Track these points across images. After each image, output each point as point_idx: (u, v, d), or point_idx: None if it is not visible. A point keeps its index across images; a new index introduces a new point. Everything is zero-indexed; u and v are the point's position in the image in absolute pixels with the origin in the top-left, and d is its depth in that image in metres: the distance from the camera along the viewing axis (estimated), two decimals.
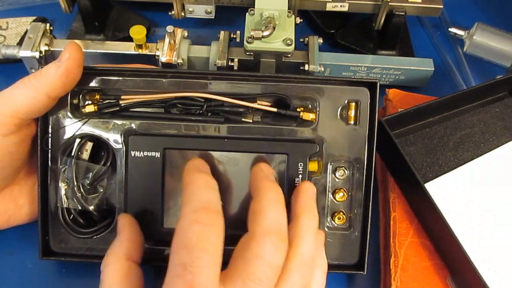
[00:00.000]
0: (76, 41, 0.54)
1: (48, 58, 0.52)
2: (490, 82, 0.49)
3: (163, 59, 0.51)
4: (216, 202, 0.33)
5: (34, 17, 0.59)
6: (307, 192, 0.37)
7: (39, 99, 0.36)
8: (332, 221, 0.41)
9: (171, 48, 0.51)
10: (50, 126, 0.39)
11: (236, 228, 0.40)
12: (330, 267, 0.41)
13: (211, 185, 0.34)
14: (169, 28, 0.50)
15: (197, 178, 0.34)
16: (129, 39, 0.51)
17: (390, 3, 0.54)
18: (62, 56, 0.37)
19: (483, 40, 0.58)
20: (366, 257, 0.40)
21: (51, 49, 0.52)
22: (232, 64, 0.51)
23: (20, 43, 0.53)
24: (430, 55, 0.56)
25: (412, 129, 0.49)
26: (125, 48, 0.53)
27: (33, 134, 0.39)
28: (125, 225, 0.37)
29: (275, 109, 0.40)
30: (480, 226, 0.43)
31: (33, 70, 0.52)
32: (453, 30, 0.60)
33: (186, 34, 0.53)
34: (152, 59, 0.52)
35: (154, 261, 0.40)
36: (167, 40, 0.51)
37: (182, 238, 0.30)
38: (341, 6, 0.56)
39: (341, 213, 0.41)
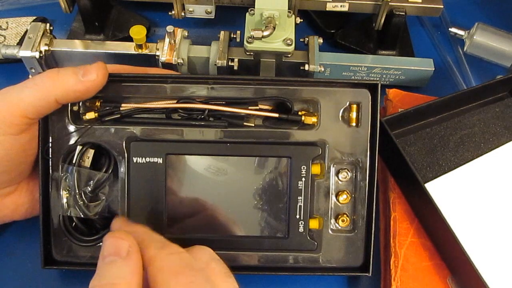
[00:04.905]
0: (76, 41, 0.54)
1: (48, 58, 0.52)
2: (490, 82, 0.49)
3: (163, 59, 0.51)
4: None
5: (34, 17, 0.59)
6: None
7: (47, 101, 0.36)
8: (336, 224, 0.41)
9: (171, 48, 0.51)
10: (50, 135, 0.39)
11: (238, 231, 0.40)
12: (335, 270, 0.41)
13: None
14: (169, 28, 0.50)
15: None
16: (129, 39, 0.51)
17: (390, 3, 0.54)
18: (88, 73, 0.36)
19: (483, 40, 0.58)
20: (371, 259, 0.40)
21: (51, 49, 0.52)
22: (232, 64, 0.51)
23: (20, 43, 0.53)
24: (430, 55, 0.56)
25: (412, 129, 0.49)
26: (125, 48, 0.53)
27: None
28: (134, 245, 0.32)
29: (276, 115, 0.40)
30: (480, 226, 0.43)
31: (33, 70, 0.52)
32: (453, 30, 0.60)
33: (186, 34, 0.53)
34: (152, 59, 0.52)
35: None
36: (167, 40, 0.51)
37: None
38: (341, 6, 0.56)
39: (345, 215, 0.41)
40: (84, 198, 0.39)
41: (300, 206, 0.39)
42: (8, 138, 0.36)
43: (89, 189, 0.39)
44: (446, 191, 0.45)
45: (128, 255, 0.30)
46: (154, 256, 0.31)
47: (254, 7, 0.50)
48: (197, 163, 0.39)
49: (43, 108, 0.36)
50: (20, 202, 0.40)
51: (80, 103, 0.40)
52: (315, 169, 0.40)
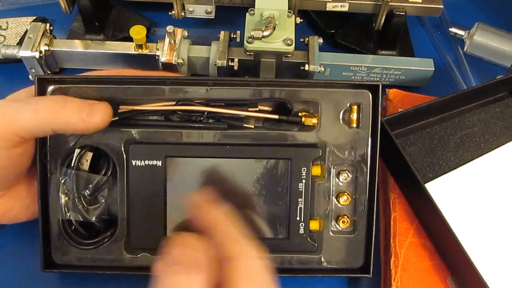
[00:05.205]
0: (76, 41, 0.54)
1: (48, 58, 0.52)
2: (490, 82, 0.49)
3: (163, 59, 0.51)
4: None
5: (34, 17, 0.59)
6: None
7: (43, 129, 0.35)
8: (337, 225, 0.41)
9: (171, 48, 0.51)
10: (48, 138, 0.39)
11: None
12: (335, 271, 0.41)
13: None
14: (169, 28, 0.50)
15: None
16: (129, 39, 0.51)
17: (390, 3, 0.54)
18: (93, 115, 0.35)
19: (483, 40, 0.58)
20: (371, 260, 0.40)
21: (51, 49, 0.52)
22: (232, 64, 0.51)
23: (20, 43, 0.53)
24: (430, 55, 0.56)
25: (412, 129, 0.49)
26: (125, 48, 0.53)
27: (36, 144, 0.39)
28: (209, 255, 0.29)
29: (276, 116, 0.40)
30: (480, 226, 0.43)
31: (33, 70, 0.52)
32: (453, 30, 0.60)
33: (186, 34, 0.53)
34: (152, 59, 0.52)
35: None
36: (167, 40, 0.51)
37: None
38: (341, 6, 0.56)
39: (345, 216, 0.41)
40: (83, 201, 0.39)
41: (301, 207, 0.39)
42: None
43: (88, 192, 0.39)
44: (446, 191, 0.45)
45: (200, 268, 0.27)
46: (239, 254, 0.29)
47: (254, 7, 0.50)
48: (196, 165, 0.39)
49: (38, 133, 0.36)
50: (9, 207, 0.40)
51: None
52: (316, 170, 0.40)
